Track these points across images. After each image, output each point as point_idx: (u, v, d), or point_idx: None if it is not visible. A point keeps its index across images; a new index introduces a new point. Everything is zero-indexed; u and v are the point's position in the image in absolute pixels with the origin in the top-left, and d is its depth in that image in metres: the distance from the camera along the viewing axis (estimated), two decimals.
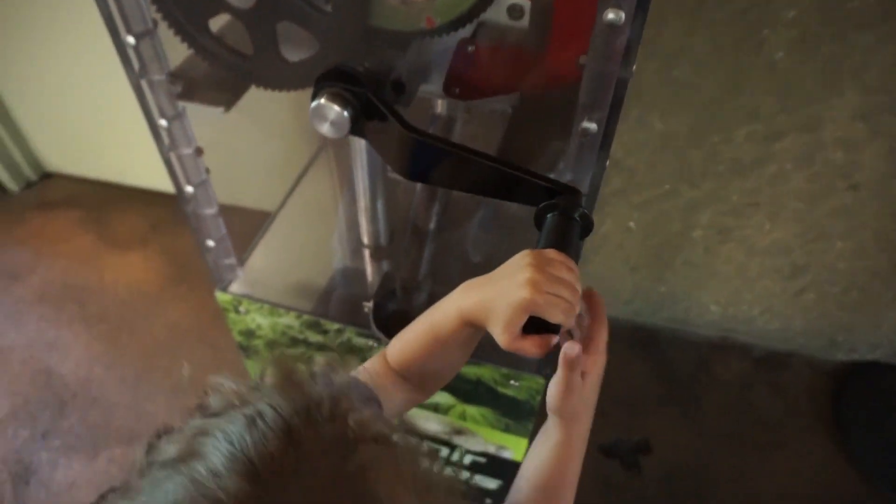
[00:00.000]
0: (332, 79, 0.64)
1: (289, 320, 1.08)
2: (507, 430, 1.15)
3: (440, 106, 0.87)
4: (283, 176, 1.30)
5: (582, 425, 0.60)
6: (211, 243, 0.97)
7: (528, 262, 0.51)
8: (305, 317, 1.06)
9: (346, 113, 0.64)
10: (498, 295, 0.51)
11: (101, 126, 1.99)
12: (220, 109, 0.76)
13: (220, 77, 0.78)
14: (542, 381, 0.99)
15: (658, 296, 1.79)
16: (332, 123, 0.65)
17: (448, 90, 0.71)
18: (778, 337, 1.81)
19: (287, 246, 1.19)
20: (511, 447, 1.21)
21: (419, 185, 0.90)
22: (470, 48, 0.66)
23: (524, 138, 0.73)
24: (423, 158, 0.63)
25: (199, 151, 0.85)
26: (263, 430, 0.35)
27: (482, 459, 1.29)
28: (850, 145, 1.31)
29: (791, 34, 1.13)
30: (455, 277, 1.08)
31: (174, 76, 0.76)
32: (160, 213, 2.10)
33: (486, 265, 0.57)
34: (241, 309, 1.10)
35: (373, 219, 0.99)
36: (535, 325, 0.51)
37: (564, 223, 0.56)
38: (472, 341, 0.60)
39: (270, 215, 1.22)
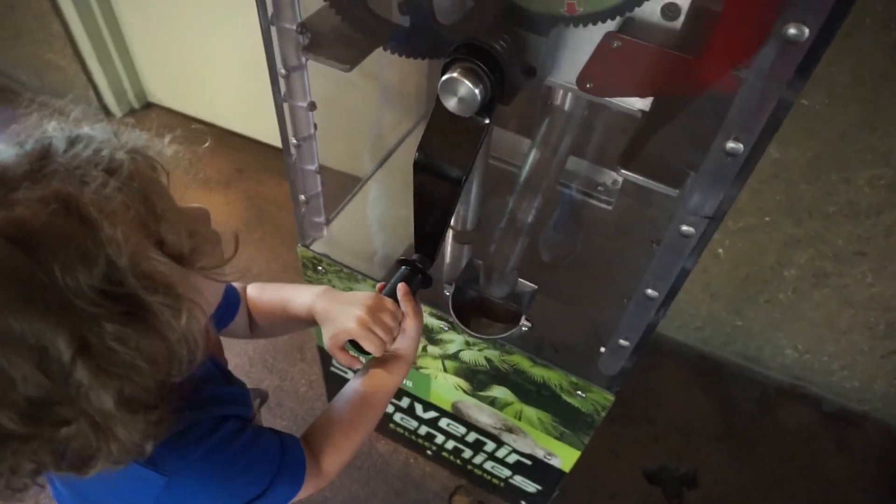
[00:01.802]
0: (467, 53, 0.62)
1: (364, 288, 1.07)
2: (561, 437, 1.12)
3: (560, 98, 0.83)
4: (380, 144, 1.29)
5: (400, 362, 0.77)
6: (304, 198, 0.97)
7: (368, 304, 0.72)
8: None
9: (477, 91, 0.61)
10: (339, 314, 0.73)
11: (206, 66, 2.04)
12: (345, 68, 0.75)
13: (349, 35, 0.77)
14: (611, 397, 0.96)
15: (732, 328, 1.70)
16: (462, 100, 0.63)
17: (581, 83, 0.68)
18: (853, 396, 1.70)
19: (372, 214, 1.19)
20: (561, 455, 1.18)
21: (524, 176, 0.87)
22: (616, 43, 0.62)
23: (650, 145, 0.69)
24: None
25: (312, 106, 0.84)
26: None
27: (527, 462, 1.26)
28: None
29: None
30: (538, 274, 1.06)
31: (304, 27, 0.75)
32: (246, 158, 2.15)
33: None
34: (321, 268, 1.10)
35: (465, 201, 0.97)
36: (355, 345, 0.73)
37: (410, 277, 0.76)
38: (303, 326, 0.81)
39: (361, 181, 1.22)
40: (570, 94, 0.81)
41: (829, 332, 1.58)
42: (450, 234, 1.09)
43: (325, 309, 0.75)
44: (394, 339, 0.74)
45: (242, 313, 0.81)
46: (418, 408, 1.33)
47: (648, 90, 0.64)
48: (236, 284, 0.82)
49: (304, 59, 0.79)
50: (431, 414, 1.32)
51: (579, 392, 0.98)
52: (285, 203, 2.05)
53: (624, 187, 1.22)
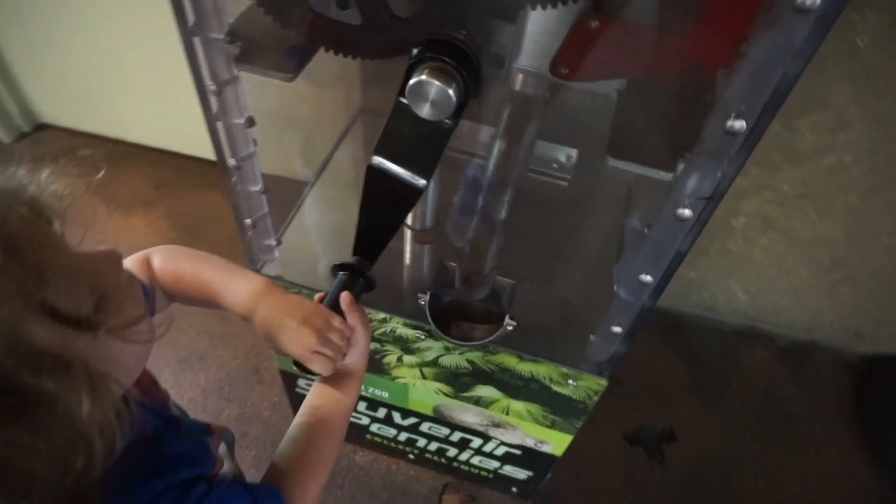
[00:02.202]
0: (436, 50, 0.55)
1: None
2: (552, 426, 1.10)
3: (522, 82, 0.77)
4: (318, 146, 1.20)
5: (353, 379, 0.69)
6: (250, 222, 0.88)
7: (315, 325, 0.63)
8: None
9: (451, 91, 0.55)
10: (283, 333, 0.63)
11: (103, 76, 1.85)
12: (288, 77, 0.66)
13: (286, 38, 0.68)
14: (603, 382, 0.93)
15: (688, 281, 1.73)
16: (435, 104, 0.56)
17: (555, 69, 0.62)
18: (803, 328, 1.77)
19: (323, 224, 1.10)
20: (552, 442, 1.16)
21: (491, 168, 0.81)
22: (593, 24, 0.57)
23: (638, 130, 0.65)
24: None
25: (250, 122, 0.75)
26: None
27: (517, 452, 1.24)
28: None
29: (881, 19, 1.05)
30: (505, 264, 1.02)
31: (233, 35, 0.66)
32: (165, 173, 1.98)
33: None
34: None
35: (422, 198, 0.91)
36: (300, 365, 0.65)
37: (351, 283, 0.69)
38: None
39: (306, 188, 1.13)
40: (530, 78, 0.75)
41: (778, 273, 1.63)
42: (407, 235, 1.02)
43: (267, 324, 0.64)
44: (343, 356, 0.67)
45: (161, 302, 0.69)
46: (396, 416, 1.27)
47: (633, 71, 0.60)
48: (136, 256, 0.68)
49: (236, 72, 0.69)
50: (411, 420, 1.27)
51: (570, 381, 0.95)
52: (215, 216, 1.91)
53: (579, 162, 1.19)
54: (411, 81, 0.55)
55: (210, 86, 0.69)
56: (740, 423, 1.63)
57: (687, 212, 0.63)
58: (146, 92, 1.80)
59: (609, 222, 1.12)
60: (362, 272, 0.70)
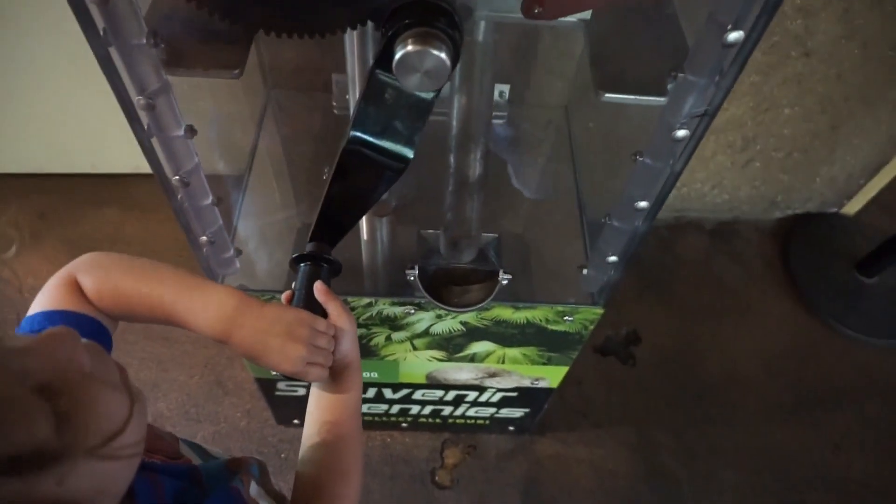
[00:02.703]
0: (419, 13, 0.49)
1: None
2: (548, 362, 1.11)
3: (482, 30, 0.72)
4: (239, 137, 1.09)
5: (351, 370, 0.65)
6: (206, 239, 0.79)
7: (300, 338, 0.57)
8: None
9: (443, 56, 0.50)
10: (267, 352, 0.57)
11: None
12: (234, 74, 0.57)
13: (215, 28, 0.59)
14: (599, 311, 0.94)
15: None
16: (428, 73, 0.50)
17: (529, 10, 0.58)
18: (724, 207, 1.89)
19: (271, 219, 1.02)
20: (549, 377, 1.18)
21: (455, 127, 0.77)
22: None
23: (616, 57, 0.62)
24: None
25: (190, 131, 0.66)
26: None
27: (513, 394, 1.25)
28: (808, 11, 1.31)
29: None
30: (488, 221, 0.99)
31: (156, 36, 0.56)
32: (47, 199, 1.76)
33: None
34: None
35: None
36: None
37: (317, 272, 0.64)
38: None
39: (238, 187, 1.03)
40: (491, 25, 0.70)
41: (697, 162, 1.71)
42: None
43: (249, 347, 0.57)
44: (333, 355, 0.62)
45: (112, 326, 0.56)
46: (387, 392, 1.25)
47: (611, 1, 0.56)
48: (53, 283, 0.55)
49: (167, 78, 0.60)
50: (403, 392, 1.25)
51: (567, 317, 0.96)
52: (118, 235, 1.73)
53: (512, 97, 1.16)
54: (398, 55, 0.49)
55: (139, 100, 0.59)
56: (691, 307, 1.74)
57: (682, 132, 0.62)
58: (9, 111, 1.56)
59: (560, 152, 1.11)
60: (325, 258, 0.65)
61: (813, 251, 1.86)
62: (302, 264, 0.64)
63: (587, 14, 0.65)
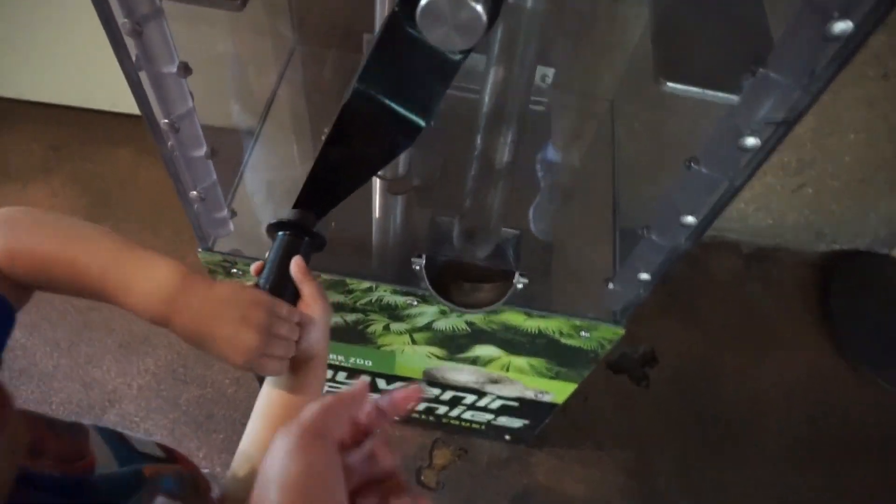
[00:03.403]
0: None
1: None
2: (556, 377, 1.02)
3: None
4: (255, 89, 1.01)
5: (314, 364, 0.55)
6: (196, 194, 0.71)
7: (256, 324, 0.48)
8: (325, 276, 0.84)
9: (480, 8, 0.40)
10: (214, 339, 0.48)
11: None
12: (234, 5, 0.49)
13: None
14: (619, 330, 0.85)
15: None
16: (458, 28, 0.41)
17: None
18: (767, 232, 1.77)
19: (278, 179, 0.94)
20: (554, 392, 1.09)
21: (486, 104, 0.68)
22: None
23: (684, 41, 0.52)
24: None
25: (184, 69, 0.57)
26: None
27: (514, 404, 1.17)
28: (894, 27, 1.18)
29: None
30: (512, 216, 0.89)
31: None
32: (63, 131, 1.70)
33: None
34: (236, 270, 0.86)
35: None
36: None
37: (295, 244, 0.54)
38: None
39: (246, 142, 0.95)
40: None
41: None
42: (377, 186, 0.88)
43: (193, 333, 0.48)
44: (298, 344, 0.52)
45: (15, 296, 0.47)
46: (380, 382, 1.17)
47: None
48: None
49: (159, 2, 0.51)
50: (398, 385, 1.17)
51: (583, 333, 0.87)
52: (131, 177, 1.67)
53: (557, 82, 1.06)
54: (423, 1, 0.40)
55: (124, 23, 0.51)
56: (715, 332, 1.63)
57: (751, 140, 0.52)
58: (18, 37, 1.50)
59: (600, 149, 1.01)
60: (307, 229, 0.55)
61: (856, 292, 1.73)
62: (280, 233, 0.55)
63: None
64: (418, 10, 0.40)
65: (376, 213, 0.91)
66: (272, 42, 1.08)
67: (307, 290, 0.53)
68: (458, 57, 0.46)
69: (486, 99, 0.68)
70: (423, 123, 0.49)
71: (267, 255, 0.56)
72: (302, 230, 0.55)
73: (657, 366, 1.56)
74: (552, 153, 1.04)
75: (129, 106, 1.72)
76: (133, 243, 0.49)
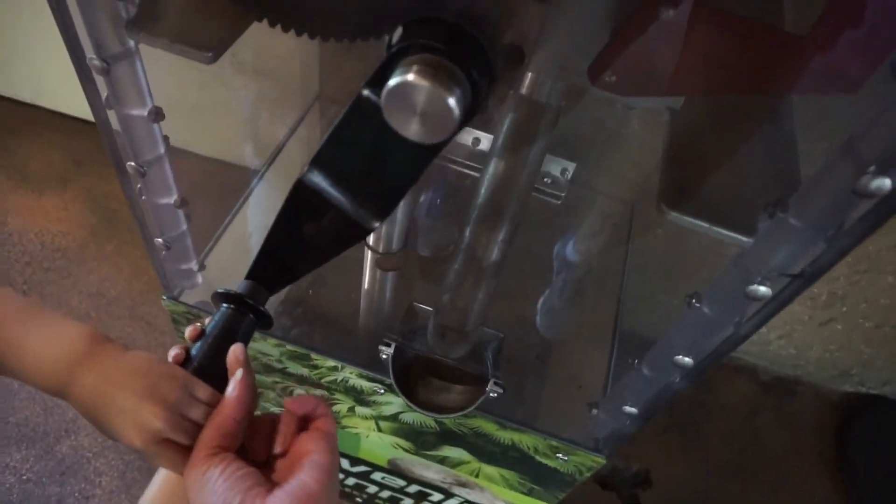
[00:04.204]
0: (429, 35, 0.35)
1: (265, 347, 0.79)
2: (529, 493, 0.92)
3: (534, 86, 0.57)
4: (265, 135, 0.98)
5: None
6: (161, 242, 0.66)
7: (162, 400, 0.41)
8: (289, 346, 0.77)
9: (452, 102, 0.35)
10: (110, 411, 0.41)
11: (14, 29, 1.56)
12: (205, 57, 0.45)
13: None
14: (600, 459, 0.76)
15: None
16: (426, 119, 0.36)
17: (597, 74, 0.43)
18: (787, 362, 1.66)
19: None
20: None
21: (482, 195, 0.62)
22: (667, 12, 0.38)
23: (697, 166, 0.46)
24: None
25: (156, 115, 0.53)
26: None
27: None
28: None
29: None
30: (504, 313, 0.83)
31: None
32: (87, 146, 1.71)
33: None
34: (200, 324, 0.80)
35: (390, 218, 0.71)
36: None
37: (237, 322, 0.48)
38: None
39: (243, 192, 0.91)
40: (557, 85, 0.55)
41: None
42: (367, 256, 0.82)
43: (91, 404, 0.42)
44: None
45: None
46: (344, 462, 1.08)
47: (716, 87, 0.41)
48: None
49: (132, 43, 0.48)
50: (361, 468, 1.08)
51: (559, 455, 0.78)
52: None
53: (575, 177, 1.01)
54: (392, 82, 0.35)
55: (92, 60, 0.47)
56: (719, 463, 1.50)
57: (762, 289, 0.45)
58: (59, 48, 1.53)
59: (612, 256, 0.95)
60: (254, 307, 0.49)
61: (879, 442, 1.58)
62: (224, 305, 0.49)
63: (678, 101, 0.50)
64: (383, 93, 0.35)
65: (365, 282, 0.85)
66: (295, 91, 1.06)
67: (238, 388, 0.44)
68: (430, 148, 0.41)
69: (482, 190, 0.62)
70: (373, 227, 0.44)
71: (207, 321, 0.50)
72: (248, 307, 0.49)
73: (650, 490, 1.43)
74: (564, 252, 0.98)
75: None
76: (42, 307, 0.43)
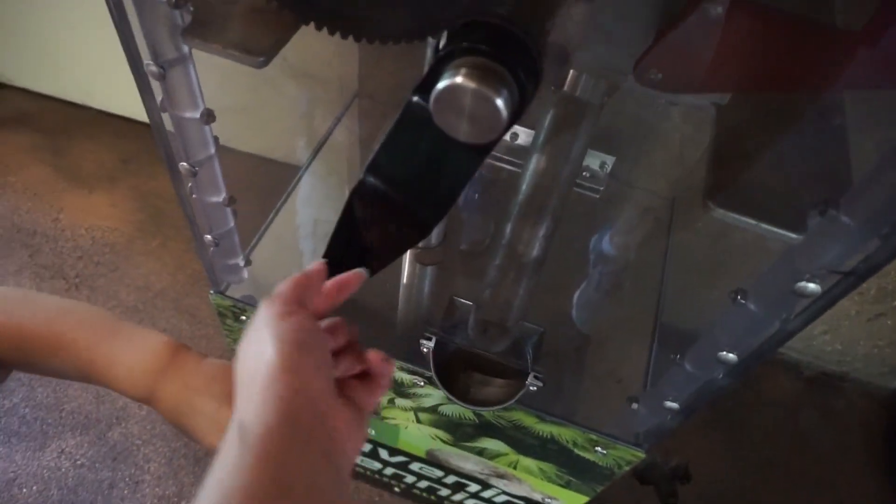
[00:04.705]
0: (479, 38, 0.36)
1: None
2: (567, 486, 0.93)
3: (577, 84, 0.57)
4: (305, 132, 1.00)
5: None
6: (211, 239, 0.69)
7: None
8: None
9: (501, 103, 0.36)
10: (194, 414, 0.43)
11: (66, 32, 1.62)
12: (257, 62, 0.46)
13: (254, 5, 0.48)
14: (640, 454, 0.76)
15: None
16: (475, 120, 0.37)
17: (643, 73, 0.43)
18: (833, 358, 1.61)
19: (306, 236, 0.91)
20: (563, 500, 0.99)
21: (523, 192, 0.63)
22: (716, 9, 0.38)
23: (746, 163, 0.46)
24: None
25: (208, 117, 0.55)
26: None
27: (519, 503, 1.07)
28: None
29: None
30: (543, 308, 0.84)
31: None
32: (134, 146, 1.77)
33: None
34: (244, 318, 0.83)
35: None
36: None
37: None
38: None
39: (283, 195, 0.93)
40: (600, 83, 0.55)
41: None
42: (407, 252, 0.84)
43: (175, 408, 0.44)
44: None
45: None
46: (383, 452, 1.10)
47: (767, 85, 0.40)
48: None
49: (186, 49, 0.49)
50: (399, 459, 1.10)
51: (598, 448, 0.78)
52: None
53: (614, 171, 1.00)
54: (440, 85, 0.36)
55: (150, 66, 0.49)
56: (761, 460, 1.48)
57: (811, 286, 0.44)
58: (110, 51, 1.58)
59: (652, 251, 0.94)
60: None
61: None
62: None
63: (724, 97, 0.49)
64: (432, 96, 0.36)
65: (404, 278, 0.86)
66: (335, 89, 1.08)
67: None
68: (479, 149, 0.42)
69: (524, 187, 0.63)
70: (431, 227, 0.45)
71: None
72: None
73: (689, 485, 1.42)
74: (600, 245, 0.97)
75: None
76: (124, 321, 0.47)
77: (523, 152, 0.97)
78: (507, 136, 0.99)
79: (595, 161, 0.99)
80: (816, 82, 0.38)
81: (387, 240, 0.46)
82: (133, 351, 0.44)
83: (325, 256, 0.51)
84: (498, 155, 1.04)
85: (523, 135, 1.01)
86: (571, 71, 0.57)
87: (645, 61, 0.42)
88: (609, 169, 1.00)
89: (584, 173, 1.00)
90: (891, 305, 1.41)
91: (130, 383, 0.44)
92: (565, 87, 0.59)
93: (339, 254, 0.50)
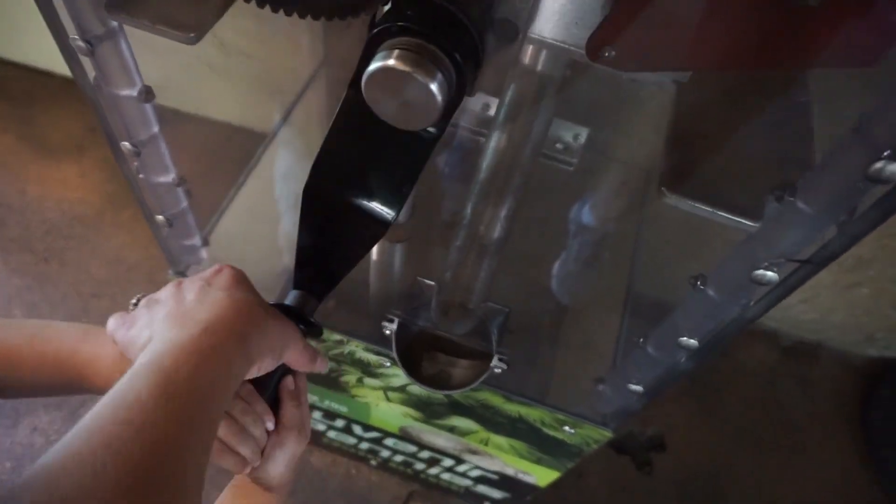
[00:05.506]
0: (408, 17, 0.33)
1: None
2: (538, 462, 0.93)
3: (535, 57, 0.54)
4: (268, 104, 0.97)
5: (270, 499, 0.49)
6: (163, 219, 0.66)
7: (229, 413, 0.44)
8: None
9: (435, 88, 0.33)
10: None
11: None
12: (188, 38, 0.43)
13: None
14: (607, 433, 0.75)
15: None
16: (408, 107, 0.34)
17: (594, 50, 0.41)
18: (810, 327, 1.62)
19: (268, 214, 0.88)
20: (537, 475, 0.99)
21: (483, 171, 0.60)
22: None
23: (701, 147, 0.44)
24: None
25: (146, 94, 0.52)
26: None
27: (494, 476, 1.08)
28: None
29: None
30: (510, 286, 0.82)
31: None
32: None
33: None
34: None
35: None
36: None
37: None
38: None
39: (244, 168, 0.90)
40: (553, 53, 0.53)
41: None
42: None
43: None
44: (261, 454, 0.46)
45: None
46: (357, 428, 1.10)
47: (724, 62, 0.38)
48: None
49: (114, 23, 0.46)
50: (373, 434, 1.10)
51: (566, 428, 0.78)
52: None
53: (589, 142, 0.98)
54: (370, 68, 0.33)
55: (75, 40, 0.46)
56: (736, 429, 1.50)
57: (769, 274, 0.43)
58: None
59: (624, 226, 0.92)
60: (304, 317, 0.49)
61: None
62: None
63: (685, 75, 0.47)
64: (363, 79, 0.34)
65: (373, 255, 0.84)
66: (300, 60, 1.04)
67: (288, 412, 0.47)
68: (428, 136, 0.39)
69: (484, 165, 0.60)
70: (390, 219, 0.42)
71: None
72: (298, 319, 0.49)
73: (664, 454, 1.44)
74: (576, 215, 0.95)
75: (168, 99, 1.73)
76: (95, 326, 0.46)
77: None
78: (478, 108, 0.96)
79: (568, 133, 0.97)
80: (773, 60, 0.35)
81: (348, 239, 0.44)
82: (111, 344, 0.43)
83: (296, 261, 0.49)
84: (476, 129, 1.01)
85: (495, 106, 0.98)
86: (536, 49, 0.54)
87: (596, 38, 0.40)
88: (583, 140, 0.97)
89: (556, 145, 0.98)
90: (867, 275, 1.41)
91: (112, 376, 0.43)
92: (526, 62, 0.56)
93: (309, 258, 0.48)
